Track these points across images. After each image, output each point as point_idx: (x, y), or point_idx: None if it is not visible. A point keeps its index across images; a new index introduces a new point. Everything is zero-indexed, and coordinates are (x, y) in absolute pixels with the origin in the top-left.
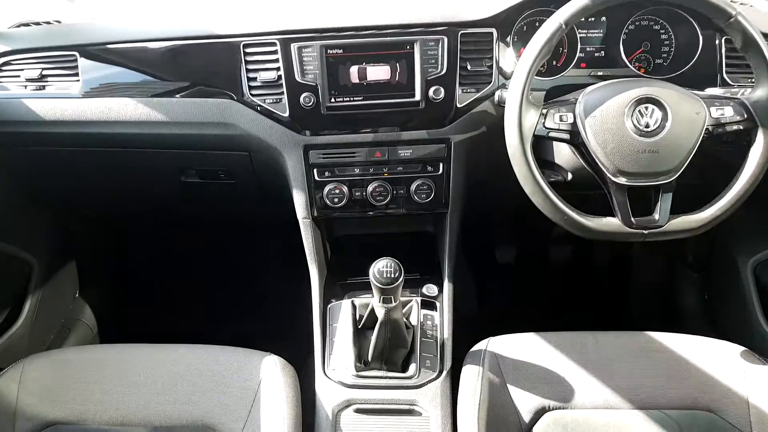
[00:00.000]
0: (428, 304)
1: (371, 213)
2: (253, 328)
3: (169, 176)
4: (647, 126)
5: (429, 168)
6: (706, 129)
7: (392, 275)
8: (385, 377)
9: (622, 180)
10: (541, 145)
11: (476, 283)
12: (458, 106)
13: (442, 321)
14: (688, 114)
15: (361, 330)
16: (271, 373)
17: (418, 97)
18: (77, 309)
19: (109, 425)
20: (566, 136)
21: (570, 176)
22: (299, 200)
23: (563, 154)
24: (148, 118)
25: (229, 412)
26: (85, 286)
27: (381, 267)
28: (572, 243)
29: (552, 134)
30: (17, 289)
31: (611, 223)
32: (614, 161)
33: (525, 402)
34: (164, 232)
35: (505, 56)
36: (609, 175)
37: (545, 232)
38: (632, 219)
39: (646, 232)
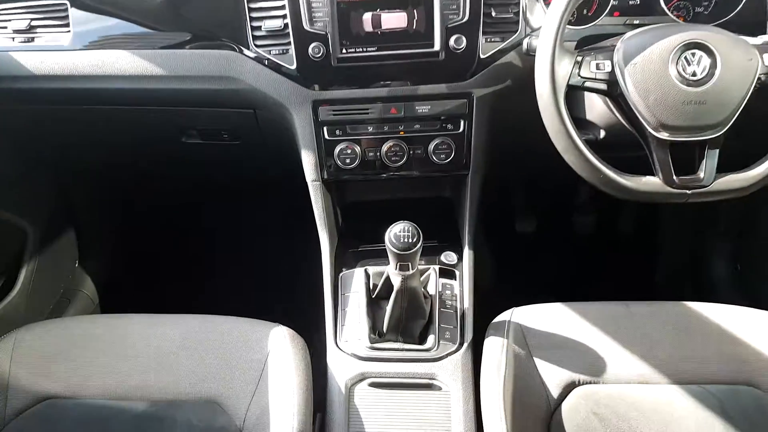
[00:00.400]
0: (447, 272)
1: (385, 175)
2: (262, 300)
3: (168, 137)
4: (694, 74)
5: (449, 126)
6: (758, 78)
7: (410, 240)
8: (402, 349)
9: (664, 135)
10: (571, 100)
11: (494, 254)
12: (481, 56)
13: (462, 290)
14: (739, 61)
15: (376, 300)
16: (280, 344)
17: (437, 47)
18: (77, 279)
19: (106, 399)
20: (603, 86)
21: (603, 134)
22: (308, 162)
23: (596, 109)
24: (144, 72)
25: (235, 386)
26: (86, 256)
27: (398, 231)
28: (596, 211)
29: (588, 84)
30: (12, 257)
31: (651, 182)
32: (656, 114)
33: (553, 376)
34: (167, 199)
35: (533, 6)
36: (650, 129)
37: (568, 197)
38: (675, 178)
39: (689, 192)
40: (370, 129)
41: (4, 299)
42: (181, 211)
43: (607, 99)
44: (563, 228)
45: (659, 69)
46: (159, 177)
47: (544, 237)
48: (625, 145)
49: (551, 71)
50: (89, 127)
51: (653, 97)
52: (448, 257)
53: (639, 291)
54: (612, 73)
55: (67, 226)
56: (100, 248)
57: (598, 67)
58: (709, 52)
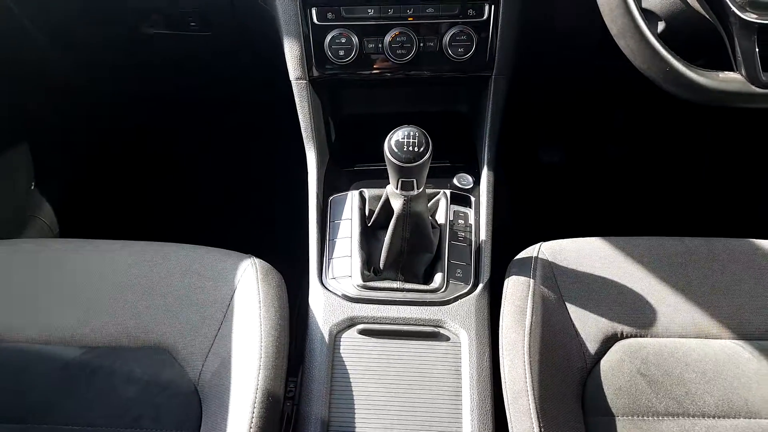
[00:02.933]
0: (460, 198)
1: (389, 74)
2: (235, 226)
3: (128, 25)
4: None
5: (470, 11)
6: None
7: (416, 148)
8: (402, 290)
9: (751, 16)
10: None
11: (515, 186)
12: None
13: (478, 219)
14: None
15: (372, 229)
16: (250, 280)
17: None
18: (32, 203)
19: (33, 342)
20: None
21: (662, 26)
22: (291, 54)
23: None
24: None
25: (192, 329)
26: (43, 177)
27: (400, 137)
28: (631, 137)
29: None
30: None
31: (732, 79)
32: None
33: (590, 326)
34: (133, 109)
35: None
36: (734, 8)
37: (601, 122)
38: (762, 75)
39: None
40: (371, 12)
41: None
42: (150, 124)
43: None
44: (595, 159)
45: None
46: (123, 89)
47: (573, 169)
48: (693, 38)
49: None
50: (32, 11)
51: None
52: (462, 180)
53: (679, 227)
54: None
55: (20, 140)
56: (60, 168)
57: None
58: None
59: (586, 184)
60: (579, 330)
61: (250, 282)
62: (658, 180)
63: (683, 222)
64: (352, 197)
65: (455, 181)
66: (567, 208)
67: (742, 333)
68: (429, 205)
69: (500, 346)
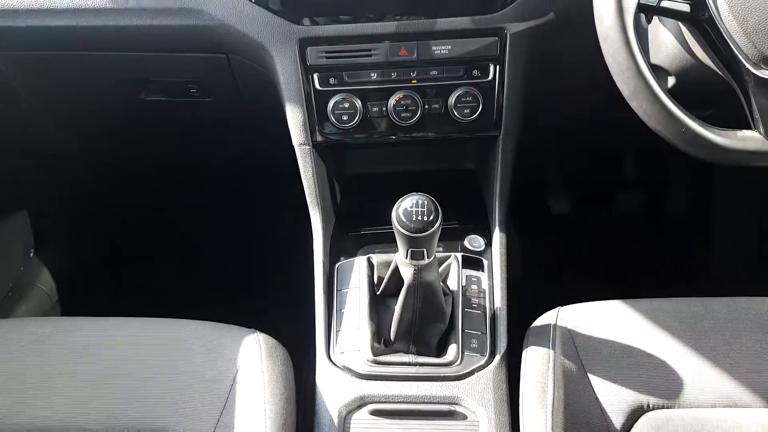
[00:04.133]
0: (472, 261)
1: (394, 137)
2: (237, 298)
3: (124, 92)
4: None
5: (475, 72)
6: None
7: (425, 217)
8: (414, 364)
9: (766, 73)
10: None
11: (525, 239)
12: None
13: (492, 284)
14: None
15: (381, 297)
16: (254, 357)
17: None
18: (31, 271)
19: (33, 428)
20: (685, 7)
21: (672, 81)
22: (295, 120)
23: (666, 46)
24: (82, 5)
25: (192, 414)
26: (42, 243)
27: (409, 206)
28: (643, 187)
29: (665, 4)
30: None
31: (750, 138)
32: (758, 42)
33: (615, 398)
34: (132, 175)
35: None
36: (748, 65)
37: (610, 170)
38: None
39: None
40: (374, 76)
41: None
42: (151, 190)
43: (684, 29)
44: (604, 208)
45: None
46: (119, 150)
47: (583, 218)
48: (704, 94)
49: None
50: (25, 78)
51: (754, 20)
52: (474, 242)
53: (692, 280)
54: None
55: (18, 207)
56: (60, 234)
57: None
58: None
59: (597, 234)
60: (603, 404)
61: (254, 360)
62: (668, 228)
63: (695, 272)
64: (360, 264)
65: (466, 243)
66: (582, 262)
67: None
68: (440, 270)
69: (521, 426)
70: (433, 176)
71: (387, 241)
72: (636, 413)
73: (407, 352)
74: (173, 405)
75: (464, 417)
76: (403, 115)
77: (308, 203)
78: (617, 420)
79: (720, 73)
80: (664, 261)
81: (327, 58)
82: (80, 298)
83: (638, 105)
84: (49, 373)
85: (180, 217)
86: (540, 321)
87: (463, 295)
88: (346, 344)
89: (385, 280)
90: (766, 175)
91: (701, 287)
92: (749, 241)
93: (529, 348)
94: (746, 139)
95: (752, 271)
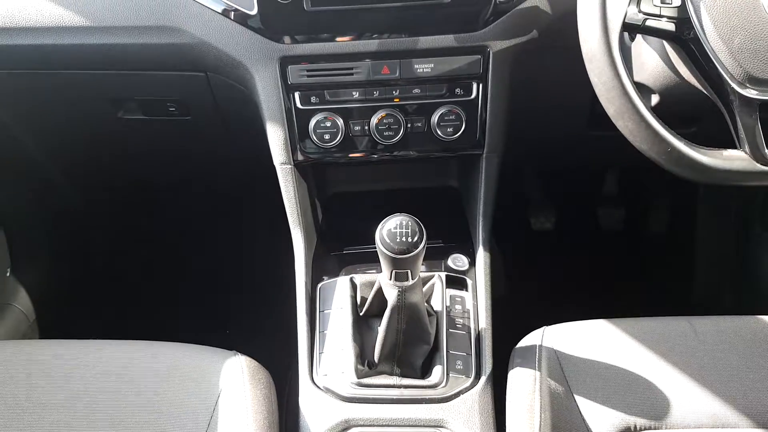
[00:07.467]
0: (456, 281)
1: (376, 156)
2: (216, 319)
3: (101, 111)
4: None
5: (458, 90)
6: None
7: (410, 238)
8: (399, 386)
9: (752, 92)
10: None
11: (508, 256)
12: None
13: (476, 304)
14: None
15: (364, 319)
16: (236, 380)
17: None
18: (8, 290)
19: None
20: (670, 26)
21: (656, 99)
22: (275, 139)
23: (649, 65)
24: (58, 23)
25: None
26: (19, 262)
27: (392, 227)
28: (624, 204)
29: (650, 23)
30: None
31: (736, 157)
32: (743, 62)
33: (601, 420)
34: (109, 194)
35: None
36: (733, 84)
37: (592, 186)
38: (766, 151)
39: None
40: (356, 95)
41: None
42: (130, 207)
43: (668, 47)
44: (586, 224)
45: (749, 1)
46: (95, 168)
47: (567, 235)
48: (688, 112)
49: (602, 6)
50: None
51: (740, 40)
52: (457, 261)
53: (673, 298)
54: (683, 7)
55: None
56: (37, 253)
57: (663, 1)
58: None
59: (581, 253)
60: (590, 425)
61: (237, 383)
62: (650, 245)
63: (679, 287)
64: (343, 285)
65: (450, 262)
66: (565, 279)
67: (760, 421)
68: (424, 290)
69: None
70: (415, 194)
71: (370, 261)
72: None
73: (391, 374)
74: (154, 429)
75: None
76: (386, 133)
77: (290, 222)
78: None
79: (704, 91)
80: (646, 278)
81: (308, 76)
82: (58, 318)
83: (624, 125)
84: (24, 399)
85: (159, 236)
86: (525, 341)
87: (448, 315)
88: (330, 366)
89: (368, 302)
90: (749, 193)
91: (684, 303)
92: (731, 258)
93: (514, 369)
94: (732, 158)
95: (735, 287)
